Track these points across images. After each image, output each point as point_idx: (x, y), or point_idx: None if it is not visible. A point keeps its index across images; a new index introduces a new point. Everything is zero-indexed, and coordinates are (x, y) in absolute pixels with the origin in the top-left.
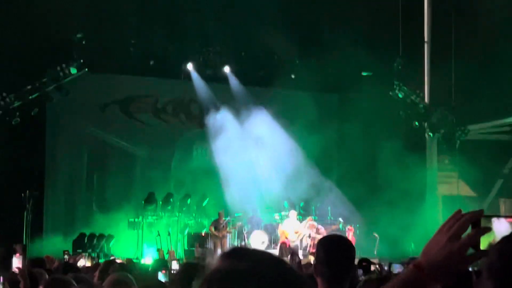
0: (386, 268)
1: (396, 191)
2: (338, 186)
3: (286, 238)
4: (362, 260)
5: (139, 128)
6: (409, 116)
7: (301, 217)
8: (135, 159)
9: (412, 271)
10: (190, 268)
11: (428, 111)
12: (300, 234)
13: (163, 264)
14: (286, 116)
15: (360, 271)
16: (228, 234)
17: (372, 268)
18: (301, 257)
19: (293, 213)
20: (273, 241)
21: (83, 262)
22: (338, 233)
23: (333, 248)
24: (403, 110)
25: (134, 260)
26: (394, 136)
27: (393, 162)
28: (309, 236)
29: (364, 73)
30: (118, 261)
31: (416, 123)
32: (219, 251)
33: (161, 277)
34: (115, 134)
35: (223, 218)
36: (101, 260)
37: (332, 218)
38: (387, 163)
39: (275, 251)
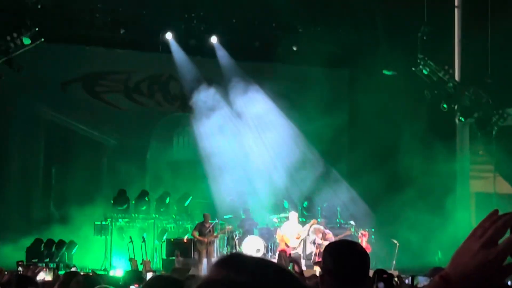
0: (407, 281)
1: (419, 187)
2: (349, 181)
3: (286, 245)
4: (380, 272)
5: (107, 111)
6: (436, 96)
7: (304, 219)
8: (103, 149)
9: (438, 284)
10: (159, 283)
11: (459, 90)
12: (302, 239)
13: (136, 276)
14: (286, 97)
15: (381, 285)
16: (215, 240)
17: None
18: (304, 267)
19: (294, 215)
20: (270, 248)
21: (43, 276)
22: (349, 239)
23: (343, 256)
24: (429, 89)
25: (101, 272)
26: (417, 121)
27: (416, 152)
28: (314, 243)
29: (385, 72)
30: (42, 272)
31: (445, 105)
32: (204, 262)
33: None
34: (78, 119)
35: (209, 221)
36: (61, 272)
37: (342, 220)
38: (409, 153)
39: (273, 261)
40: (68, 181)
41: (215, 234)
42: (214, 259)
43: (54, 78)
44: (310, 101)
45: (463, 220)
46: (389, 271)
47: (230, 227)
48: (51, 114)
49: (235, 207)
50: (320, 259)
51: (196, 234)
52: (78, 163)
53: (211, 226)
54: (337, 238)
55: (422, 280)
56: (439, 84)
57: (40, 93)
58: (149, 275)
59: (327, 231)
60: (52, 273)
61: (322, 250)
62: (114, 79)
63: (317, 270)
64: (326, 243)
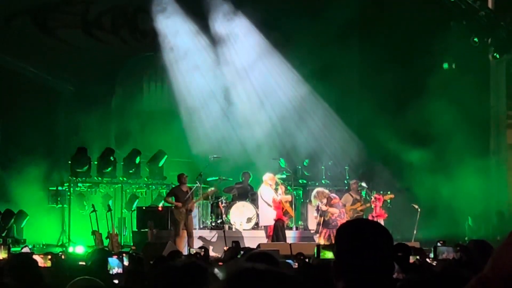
0: (431, 255)
1: (444, 141)
2: (359, 134)
3: (284, 214)
4: (396, 247)
5: (61, 50)
6: (465, 28)
7: (305, 181)
8: (57, 97)
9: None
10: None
11: (493, 21)
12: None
13: (103, 254)
14: (279, 28)
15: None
16: (195, 208)
17: (412, 260)
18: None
19: (269, 178)
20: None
21: None
22: (361, 206)
23: (363, 241)
24: (456, 19)
25: (58, 249)
26: (442, 58)
27: (440, 96)
28: (317, 209)
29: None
30: (38, 257)
31: (476, 39)
32: (183, 235)
33: (115, 264)
34: (26, 60)
35: (187, 185)
36: (15, 250)
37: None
38: (431, 98)
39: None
40: (16, 137)
41: (194, 200)
42: (195, 231)
43: None
44: (309, 34)
45: (498, 179)
46: (409, 243)
47: (213, 189)
48: None
49: (221, 167)
50: (324, 230)
51: (170, 200)
52: (27, 115)
53: (190, 191)
54: (362, 208)
55: (444, 250)
56: (468, 13)
57: None
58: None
59: (333, 195)
60: (6, 251)
61: (327, 219)
62: (70, 11)
63: (321, 242)
64: (332, 210)
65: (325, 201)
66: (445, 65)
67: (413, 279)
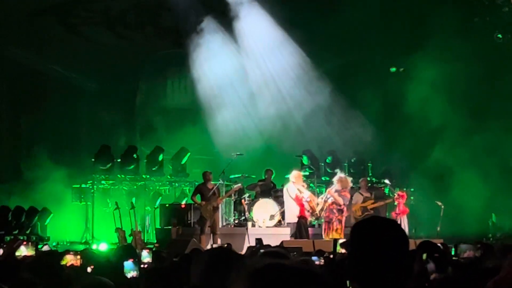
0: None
1: (468, 137)
2: (380, 129)
3: (309, 211)
4: (427, 245)
5: (85, 48)
6: (488, 24)
7: (327, 177)
8: (81, 94)
9: None
10: None
11: None
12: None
13: (128, 251)
14: (301, 26)
15: (431, 266)
16: (220, 205)
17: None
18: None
19: (296, 176)
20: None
21: (23, 251)
22: (383, 201)
23: (378, 241)
24: (479, 15)
25: (81, 246)
26: (465, 55)
27: (465, 94)
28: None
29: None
30: (70, 255)
31: (499, 35)
32: (208, 233)
33: (130, 268)
34: (49, 58)
35: (212, 182)
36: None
37: (374, 179)
38: (455, 96)
39: (287, 230)
40: (40, 134)
41: (220, 197)
42: (219, 228)
43: (20, 8)
44: (329, 31)
45: None
46: (433, 240)
47: (239, 185)
48: (17, 53)
49: (245, 164)
50: (326, 227)
51: (197, 198)
52: (51, 112)
53: (215, 188)
54: (374, 206)
55: (465, 248)
56: (492, 8)
57: (3, 26)
58: (144, 252)
59: (347, 193)
60: (33, 248)
61: (327, 204)
62: (93, 8)
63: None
64: (338, 198)
65: (339, 187)
66: None
67: (443, 278)
